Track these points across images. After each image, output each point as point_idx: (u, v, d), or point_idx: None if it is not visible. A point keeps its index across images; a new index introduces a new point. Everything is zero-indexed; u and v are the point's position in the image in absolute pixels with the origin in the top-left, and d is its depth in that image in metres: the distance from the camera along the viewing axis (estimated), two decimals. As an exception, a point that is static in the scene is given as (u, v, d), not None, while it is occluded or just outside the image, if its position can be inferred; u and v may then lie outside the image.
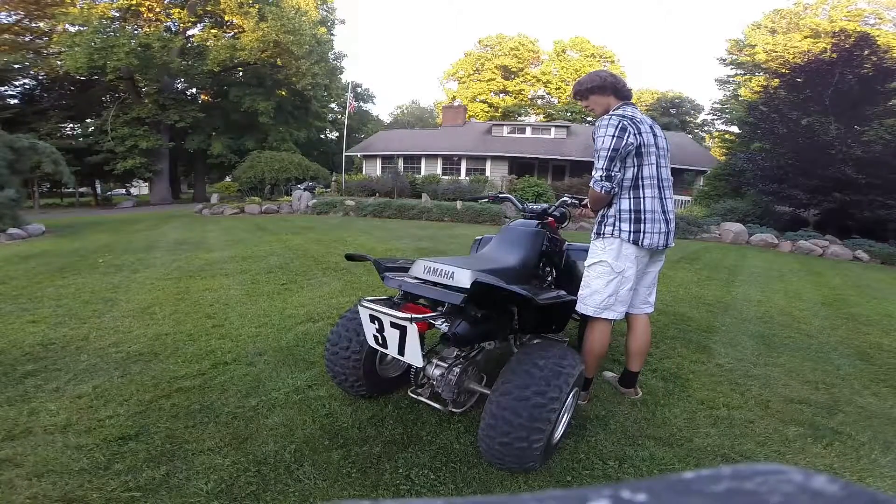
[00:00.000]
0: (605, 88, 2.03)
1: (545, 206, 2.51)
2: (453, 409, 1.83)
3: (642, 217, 1.94)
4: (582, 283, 2.08)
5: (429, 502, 0.23)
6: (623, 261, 1.96)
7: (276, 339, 2.93)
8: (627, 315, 2.20)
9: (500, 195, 2.76)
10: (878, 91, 10.91)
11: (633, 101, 2.06)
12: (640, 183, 1.94)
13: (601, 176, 1.89)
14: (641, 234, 1.94)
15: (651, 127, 1.98)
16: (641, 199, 1.94)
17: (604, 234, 2.00)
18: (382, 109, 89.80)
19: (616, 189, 1.93)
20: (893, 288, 6.02)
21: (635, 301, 2.16)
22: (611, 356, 2.77)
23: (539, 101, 40.25)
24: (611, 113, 1.95)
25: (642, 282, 2.15)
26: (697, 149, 22.05)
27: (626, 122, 1.88)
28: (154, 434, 1.84)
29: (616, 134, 1.86)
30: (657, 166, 1.96)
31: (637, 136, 1.88)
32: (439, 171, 20.29)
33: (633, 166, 1.92)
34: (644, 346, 2.21)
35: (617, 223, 1.96)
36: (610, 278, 1.97)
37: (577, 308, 2.08)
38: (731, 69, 30.07)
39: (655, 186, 1.96)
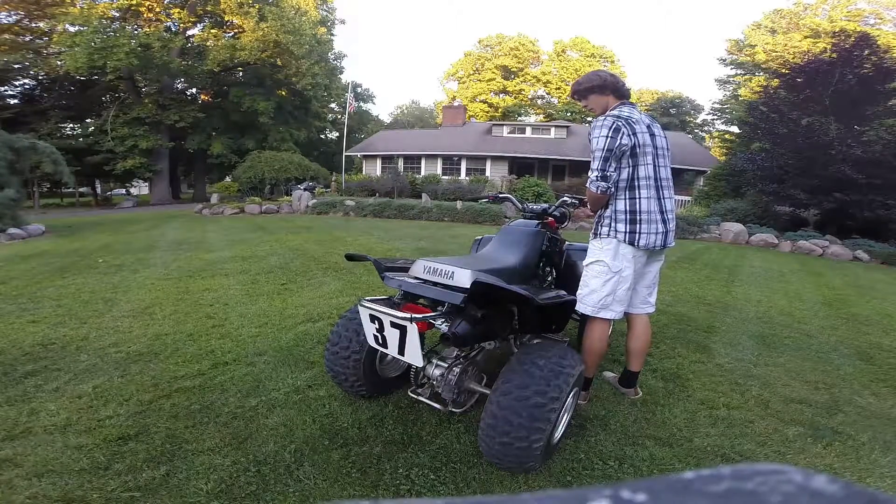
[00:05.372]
0: (605, 88, 2.03)
1: (545, 206, 2.51)
2: (453, 409, 1.83)
3: (637, 218, 1.94)
4: (580, 282, 2.09)
5: (429, 502, 0.22)
6: (620, 261, 1.97)
7: (276, 339, 2.93)
8: (627, 315, 2.20)
9: (500, 195, 2.77)
10: (878, 91, 10.90)
11: (633, 101, 2.07)
12: (636, 184, 1.94)
13: (596, 176, 1.91)
14: (637, 235, 1.94)
15: (649, 126, 1.97)
16: (637, 200, 1.94)
17: (601, 234, 2.02)
18: (382, 109, 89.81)
19: (612, 189, 1.94)
20: (893, 288, 6.02)
21: (635, 301, 2.17)
22: (611, 356, 2.77)
23: (539, 101, 40.26)
24: (606, 113, 1.96)
25: (641, 282, 2.15)
26: (697, 149, 22.05)
27: (620, 123, 1.88)
28: (154, 434, 1.84)
29: (609, 135, 1.87)
30: (654, 166, 1.95)
31: (631, 136, 1.88)
32: (439, 171, 20.28)
33: (629, 167, 1.93)
34: (644, 346, 2.21)
35: (613, 223, 1.98)
36: (607, 278, 1.98)
37: (576, 307, 2.09)
38: (731, 69, 30.08)
39: (652, 187, 1.95)
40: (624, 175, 1.93)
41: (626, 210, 1.95)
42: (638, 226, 1.94)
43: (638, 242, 1.94)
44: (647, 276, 2.16)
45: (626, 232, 1.94)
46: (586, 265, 2.07)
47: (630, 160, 1.91)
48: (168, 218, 12.85)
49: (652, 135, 1.96)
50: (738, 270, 6.39)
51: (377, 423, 1.96)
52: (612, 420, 2.06)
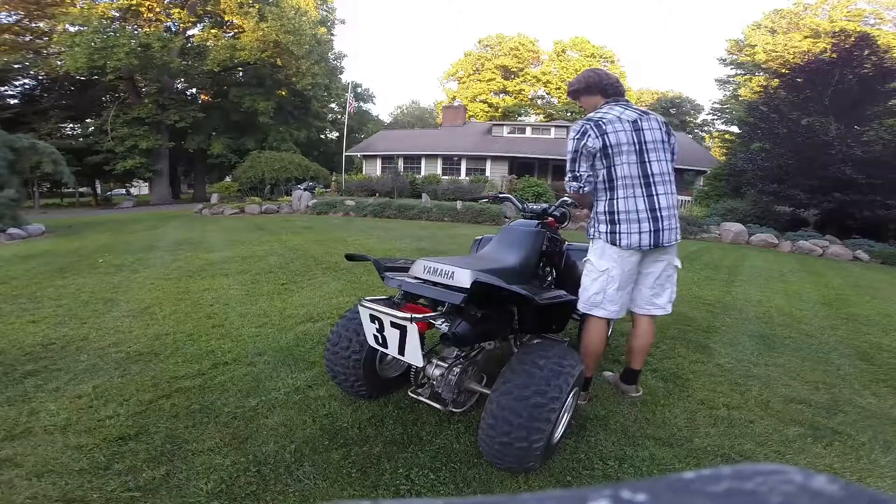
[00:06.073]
0: (591, 88, 2.07)
1: (545, 206, 2.51)
2: (453, 409, 1.83)
3: (616, 218, 1.95)
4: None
5: (429, 502, 0.23)
6: (606, 260, 1.99)
7: (276, 339, 2.93)
8: (632, 314, 2.20)
9: (500, 195, 2.77)
10: (878, 91, 10.90)
11: (632, 99, 2.07)
12: (614, 184, 1.94)
13: (568, 178, 2.02)
14: (618, 235, 1.95)
15: (635, 122, 1.94)
16: (615, 201, 1.95)
17: (589, 234, 2.10)
18: (382, 109, 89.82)
19: (585, 188, 2.00)
20: (893, 288, 6.02)
21: (639, 301, 2.15)
22: (611, 356, 2.77)
23: (539, 101, 40.23)
24: (586, 115, 2.03)
25: (644, 282, 2.11)
26: (697, 149, 22.05)
27: (588, 126, 1.93)
28: (154, 434, 1.84)
29: (576, 137, 1.95)
30: (641, 163, 1.92)
31: (599, 137, 1.89)
32: (439, 171, 20.28)
33: (603, 168, 1.95)
34: (645, 346, 2.20)
35: (596, 224, 2.03)
36: (594, 277, 2.02)
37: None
38: (731, 69, 30.07)
39: (632, 186, 1.92)
40: (601, 176, 1.96)
41: (605, 211, 1.98)
42: (618, 226, 1.94)
43: (619, 242, 1.94)
44: (649, 277, 2.09)
45: (607, 232, 1.98)
46: (583, 262, 2.15)
47: (604, 161, 1.93)
48: (168, 218, 12.86)
49: (638, 130, 1.93)
50: (738, 270, 6.39)
51: (377, 423, 1.96)
52: (612, 420, 2.06)
